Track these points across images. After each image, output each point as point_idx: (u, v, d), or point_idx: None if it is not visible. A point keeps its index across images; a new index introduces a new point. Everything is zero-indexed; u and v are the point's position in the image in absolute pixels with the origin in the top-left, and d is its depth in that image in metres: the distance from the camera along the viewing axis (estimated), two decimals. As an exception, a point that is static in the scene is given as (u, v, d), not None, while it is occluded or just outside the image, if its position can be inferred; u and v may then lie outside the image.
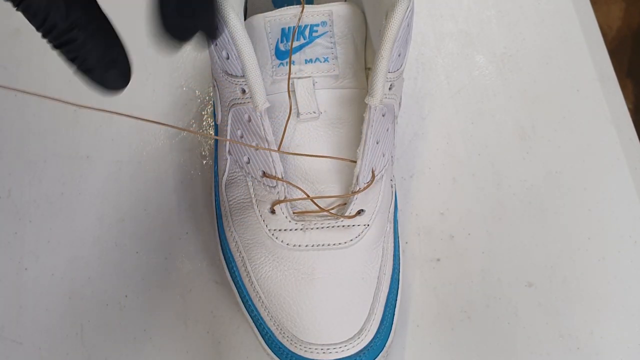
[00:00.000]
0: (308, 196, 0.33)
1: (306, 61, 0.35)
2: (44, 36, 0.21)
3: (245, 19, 0.36)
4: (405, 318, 0.38)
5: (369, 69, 0.37)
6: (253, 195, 0.35)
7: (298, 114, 0.35)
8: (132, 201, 0.42)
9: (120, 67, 0.22)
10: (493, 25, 0.49)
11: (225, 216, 0.37)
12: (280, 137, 0.34)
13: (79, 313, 0.39)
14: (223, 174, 0.37)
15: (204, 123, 0.44)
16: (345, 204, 0.34)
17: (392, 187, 0.37)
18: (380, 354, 0.33)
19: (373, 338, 0.33)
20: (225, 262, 0.37)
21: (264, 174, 0.33)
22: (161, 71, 0.46)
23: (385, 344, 0.33)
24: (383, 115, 0.33)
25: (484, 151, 0.44)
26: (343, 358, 0.32)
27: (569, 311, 0.39)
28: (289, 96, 0.34)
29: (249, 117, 0.33)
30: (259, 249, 0.34)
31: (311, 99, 0.35)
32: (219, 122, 0.36)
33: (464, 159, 0.43)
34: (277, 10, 0.34)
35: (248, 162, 0.34)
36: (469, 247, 0.40)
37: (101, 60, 0.22)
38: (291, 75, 0.35)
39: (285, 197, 0.33)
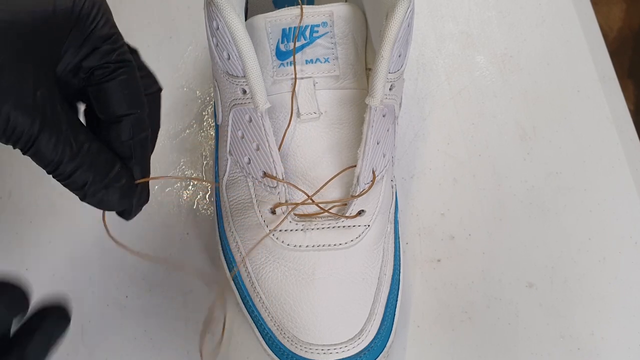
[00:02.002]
0: (310, 198, 0.33)
1: (307, 61, 0.35)
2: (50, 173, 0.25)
3: (246, 20, 0.36)
4: (406, 319, 0.38)
5: (370, 69, 0.37)
6: (254, 196, 0.35)
7: (299, 115, 0.35)
8: None
9: (117, 189, 0.26)
10: (494, 26, 0.49)
11: (226, 216, 0.37)
12: (281, 137, 0.34)
13: (79, 313, 0.39)
14: (224, 175, 0.37)
15: (205, 124, 0.44)
16: (345, 204, 0.34)
17: (392, 187, 0.37)
18: (380, 355, 0.33)
19: (373, 339, 0.33)
20: (226, 262, 0.37)
21: (265, 175, 0.33)
22: (162, 71, 0.46)
23: (385, 344, 0.33)
24: (383, 116, 0.33)
25: (484, 152, 0.44)
26: (344, 359, 0.32)
27: (569, 312, 0.39)
28: (292, 97, 0.34)
29: (250, 117, 0.33)
30: (260, 250, 0.34)
31: (312, 100, 0.35)
32: (219, 122, 0.36)
33: (464, 159, 0.43)
34: (277, 10, 0.34)
35: (249, 163, 0.34)
36: (469, 247, 0.40)
37: (98, 189, 0.26)
38: (292, 76, 0.35)
39: (286, 198, 0.33)
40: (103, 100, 0.26)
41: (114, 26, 0.26)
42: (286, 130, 0.34)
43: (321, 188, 0.34)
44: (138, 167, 0.27)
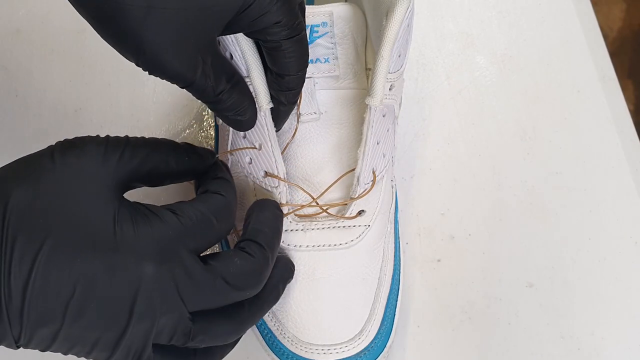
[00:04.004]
0: (315, 200, 0.33)
1: (307, 62, 0.35)
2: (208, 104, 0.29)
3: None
4: (406, 319, 0.38)
5: (370, 69, 0.37)
6: (254, 196, 0.35)
7: (299, 115, 0.35)
8: (134, 201, 0.42)
9: (251, 114, 0.31)
10: (494, 26, 0.49)
11: (226, 216, 0.37)
12: (281, 137, 0.34)
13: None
14: (224, 175, 0.37)
15: (205, 124, 0.44)
16: (345, 204, 0.34)
17: (392, 187, 0.37)
18: (381, 355, 0.33)
19: (374, 338, 0.33)
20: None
21: (266, 174, 0.33)
22: (162, 72, 0.46)
23: (385, 344, 0.33)
24: (383, 116, 0.33)
25: (484, 152, 0.44)
26: (344, 359, 0.32)
27: (569, 312, 0.39)
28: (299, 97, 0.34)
29: None
30: (260, 250, 0.34)
31: (312, 100, 0.35)
32: (220, 122, 0.36)
33: (464, 159, 0.43)
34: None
35: (250, 163, 0.34)
36: (469, 247, 0.40)
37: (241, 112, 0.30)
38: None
39: (287, 199, 0.33)
40: (270, 60, 0.30)
41: (289, 11, 0.28)
42: (294, 133, 0.34)
43: (324, 192, 0.34)
44: (289, 107, 0.32)
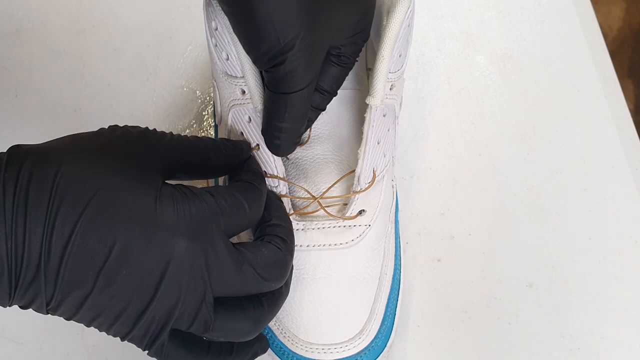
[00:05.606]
0: (317, 200, 0.33)
1: (307, 61, 0.35)
2: None
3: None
4: (406, 318, 0.38)
5: (370, 69, 0.37)
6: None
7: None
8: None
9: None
10: (494, 26, 0.49)
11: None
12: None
13: (79, 313, 0.39)
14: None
15: (205, 124, 0.44)
16: (346, 204, 0.34)
17: (393, 187, 0.37)
18: (381, 354, 0.33)
19: (374, 338, 0.33)
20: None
21: (266, 174, 0.33)
22: (162, 71, 0.46)
23: (386, 344, 0.33)
24: (384, 116, 0.33)
25: (484, 152, 0.44)
26: (344, 358, 0.32)
27: (569, 312, 0.39)
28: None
29: (249, 117, 0.33)
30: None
31: (312, 100, 0.35)
32: (219, 122, 0.36)
33: (464, 159, 0.43)
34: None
35: (249, 163, 0.34)
36: (469, 247, 0.40)
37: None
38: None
39: (287, 194, 0.33)
40: (324, 75, 0.31)
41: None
42: (308, 138, 0.35)
43: (325, 192, 0.34)
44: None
